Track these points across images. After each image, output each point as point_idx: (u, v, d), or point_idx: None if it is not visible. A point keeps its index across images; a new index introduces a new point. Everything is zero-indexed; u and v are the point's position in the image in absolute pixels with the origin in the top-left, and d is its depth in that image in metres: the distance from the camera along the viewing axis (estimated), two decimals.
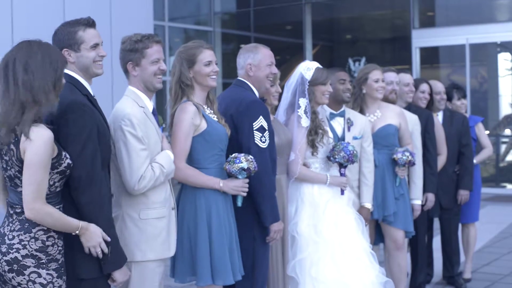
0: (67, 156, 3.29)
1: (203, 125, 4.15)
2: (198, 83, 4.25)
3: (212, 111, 4.30)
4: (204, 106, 4.26)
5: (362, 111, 5.71)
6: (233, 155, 4.22)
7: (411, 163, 5.59)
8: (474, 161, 6.89)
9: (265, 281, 4.61)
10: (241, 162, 4.16)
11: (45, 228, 3.23)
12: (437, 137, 6.37)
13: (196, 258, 4.11)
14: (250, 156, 4.24)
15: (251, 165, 4.19)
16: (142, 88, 3.88)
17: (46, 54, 3.23)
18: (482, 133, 7.21)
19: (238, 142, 4.42)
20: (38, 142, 3.14)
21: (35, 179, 3.15)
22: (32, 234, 3.21)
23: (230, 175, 4.22)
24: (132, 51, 3.83)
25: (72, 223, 3.28)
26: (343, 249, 4.95)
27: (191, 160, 4.17)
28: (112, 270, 3.48)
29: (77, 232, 3.31)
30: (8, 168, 3.25)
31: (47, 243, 3.24)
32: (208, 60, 4.23)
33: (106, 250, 3.37)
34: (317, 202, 5.03)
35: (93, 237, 3.34)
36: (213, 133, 4.17)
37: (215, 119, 4.27)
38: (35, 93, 3.18)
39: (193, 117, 4.11)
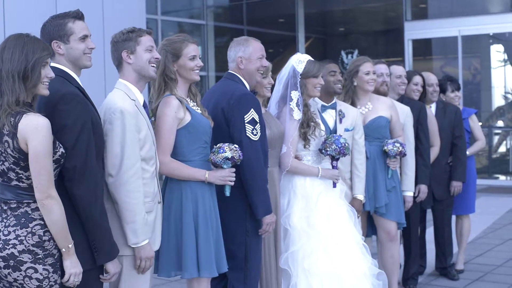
0: (60, 145, 3.29)
1: (187, 118, 4.15)
2: (181, 76, 4.26)
3: (195, 104, 4.31)
4: (187, 99, 4.26)
5: (353, 104, 5.71)
6: (218, 145, 4.23)
7: (402, 154, 5.61)
8: (467, 153, 6.91)
9: (258, 273, 4.62)
10: (225, 152, 4.18)
11: (42, 223, 3.22)
12: (430, 128, 6.38)
13: (182, 251, 4.11)
14: (235, 145, 4.25)
15: (235, 154, 4.20)
16: (134, 79, 3.88)
17: (21, 44, 3.23)
18: (475, 125, 7.22)
19: (230, 135, 4.42)
20: (42, 131, 3.15)
21: (46, 168, 3.16)
22: (29, 229, 3.20)
23: (216, 166, 4.23)
24: (126, 40, 3.85)
25: (69, 232, 3.29)
26: (336, 241, 4.96)
27: (175, 153, 4.16)
28: (105, 261, 3.50)
29: (70, 246, 3.28)
30: (0, 163, 3.23)
31: (43, 238, 3.22)
32: (192, 54, 4.24)
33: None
34: (309, 195, 5.04)
35: (78, 264, 3.34)
36: (197, 126, 4.17)
37: (199, 111, 4.27)
38: (1, 83, 3.19)
39: (176, 111, 4.11)
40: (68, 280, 3.31)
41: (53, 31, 3.54)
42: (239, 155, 4.23)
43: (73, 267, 3.30)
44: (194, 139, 4.18)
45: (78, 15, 3.59)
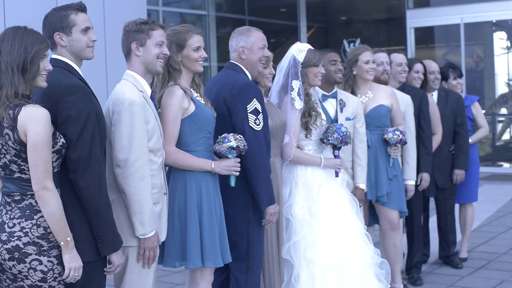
0: (61, 135, 3.30)
1: (192, 108, 4.16)
2: (185, 67, 4.26)
3: (198, 94, 4.31)
4: (190, 89, 4.27)
5: (353, 93, 5.70)
6: (222, 135, 4.24)
7: (402, 142, 5.60)
8: (470, 140, 6.90)
9: (260, 264, 4.62)
10: (230, 141, 4.18)
11: None
12: (432, 116, 6.37)
13: (186, 241, 4.11)
14: (239, 135, 4.25)
15: (240, 144, 4.20)
16: (141, 71, 3.89)
17: (20, 37, 3.23)
18: (478, 112, 7.21)
19: (232, 125, 4.42)
20: (41, 122, 3.16)
21: (43, 159, 3.16)
22: (34, 221, 3.22)
23: (220, 156, 4.23)
24: (137, 32, 3.85)
25: (67, 225, 3.27)
26: (338, 231, 4.95)
27: (180, 143, 4.17)
28: (110, 252, 3.50)
29: (68, 239, 3.26)
30: (2, 156, 3.24)
31: (48, 229, 3.23)
32: (197, 45, 4.25)
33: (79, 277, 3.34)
34: (311, 184, 5.03)
35: (78, 258, 3.32)
36: (201, 116, 4.18)
37: (202, 102, 4.27)
38: (0, 75, 3.19)
39: (181, 101, 4.12)
40: (68, 276, 3.28)
41: (55, 22, 3.55)
42: (244, 145, 4.23)
43: (72, 261, 3.28)
44: (198, 129, 4.18)
45: (80, 7, 3.60)
